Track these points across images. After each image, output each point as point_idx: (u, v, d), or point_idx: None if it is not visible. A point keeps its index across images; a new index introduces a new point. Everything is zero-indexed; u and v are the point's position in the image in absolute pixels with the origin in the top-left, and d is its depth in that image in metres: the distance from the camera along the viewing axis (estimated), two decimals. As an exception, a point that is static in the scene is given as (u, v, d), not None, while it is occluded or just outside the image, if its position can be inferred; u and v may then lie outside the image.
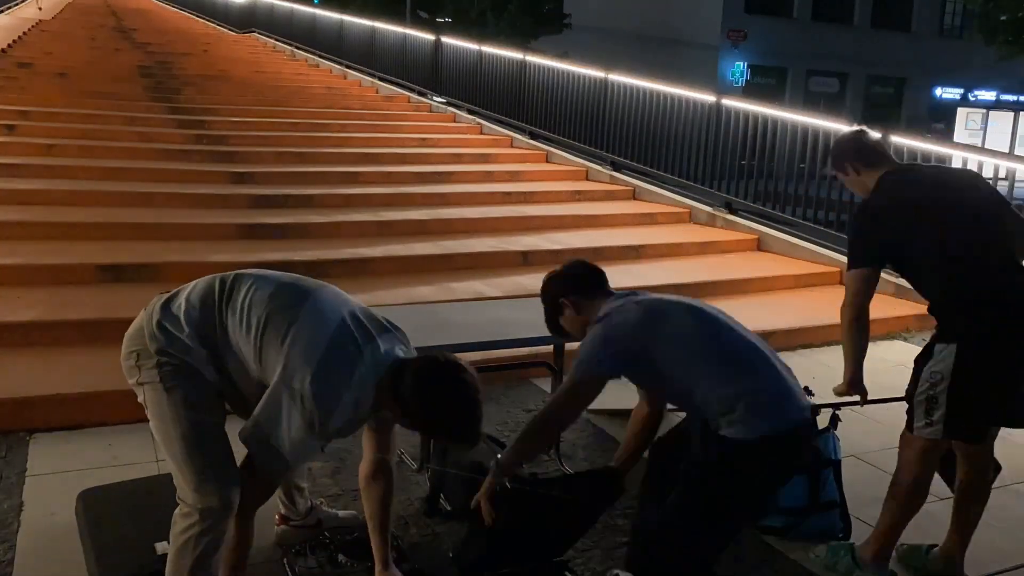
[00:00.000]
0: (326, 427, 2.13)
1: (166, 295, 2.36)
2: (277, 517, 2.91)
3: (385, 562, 2.49)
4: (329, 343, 2.14)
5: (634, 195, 8.75)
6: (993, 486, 3.44)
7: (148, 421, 3.82)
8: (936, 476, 3.70)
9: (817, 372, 4.90)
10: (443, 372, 2.17)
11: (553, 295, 2.71)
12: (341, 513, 3.04)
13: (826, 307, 6.13)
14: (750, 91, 24.73)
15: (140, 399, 2.33)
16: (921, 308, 5.97)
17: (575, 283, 2.69)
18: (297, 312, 2.20)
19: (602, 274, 2.73)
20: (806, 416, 2.46)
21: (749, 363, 2.43)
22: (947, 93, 30.78)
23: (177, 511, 2.27)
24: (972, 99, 31.09)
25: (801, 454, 2.55)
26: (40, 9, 18.31)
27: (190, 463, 2.23)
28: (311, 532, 2.86)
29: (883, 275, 7.09)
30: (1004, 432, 4.09)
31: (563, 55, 13.83)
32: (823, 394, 2.99)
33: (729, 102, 8.06)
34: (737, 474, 2.36)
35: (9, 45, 12.99)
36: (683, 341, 2.43)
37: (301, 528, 2.87)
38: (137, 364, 2.29)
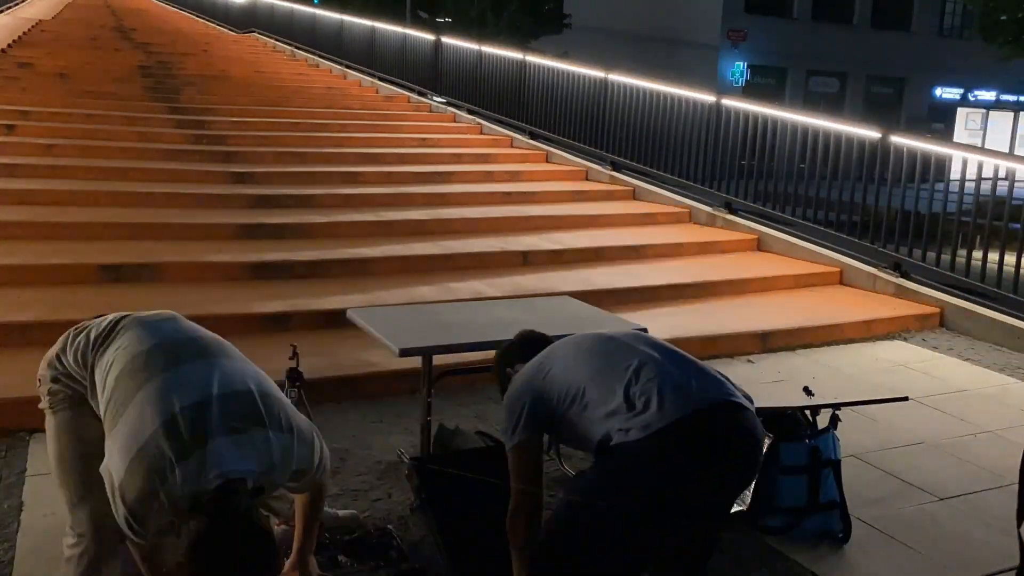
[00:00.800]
0: (144, 529, 1.86)
1: (83, 325, 2.28)
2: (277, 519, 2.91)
3: (301, 553, 2.37)
4: (140, 449, 1.84)
5: (634, 195, 8.75)
6: (993, 486, 3.44)
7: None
8: (934, 473, 3.70)
9: (817, 372, 4.93)
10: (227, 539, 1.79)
11: (501, 366, 2.58)
12: (341, 512, 3.04)
13: (826, 307, 6.15)
14: (750, 91, 24.71)
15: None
16: (921, 308, 6.01)
17: (518, 349, 2.53)
18: (133, 397, 1.92)
19: (543, 339, 2.53)
20: (712, 398, 2.13)
21: (630, 356, 2.21)
22: (947, 93, 30.77)
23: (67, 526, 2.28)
24: (972, 99, 31.09)
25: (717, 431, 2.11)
26: None
27: (66, 486, 2.23)
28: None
29: (883, 275, 7.06)
30: (1004, 431, 4.10)
31: (563, 55, 13.83)
32: (823, 394, 3.00)
33: (729, 102, 8.06)
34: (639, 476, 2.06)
35: (9, 45, 12.99)
36: (567, 362, 2.27)
37: None
38: (39, 389, 2.29)
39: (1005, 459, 3.13)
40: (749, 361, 5.13)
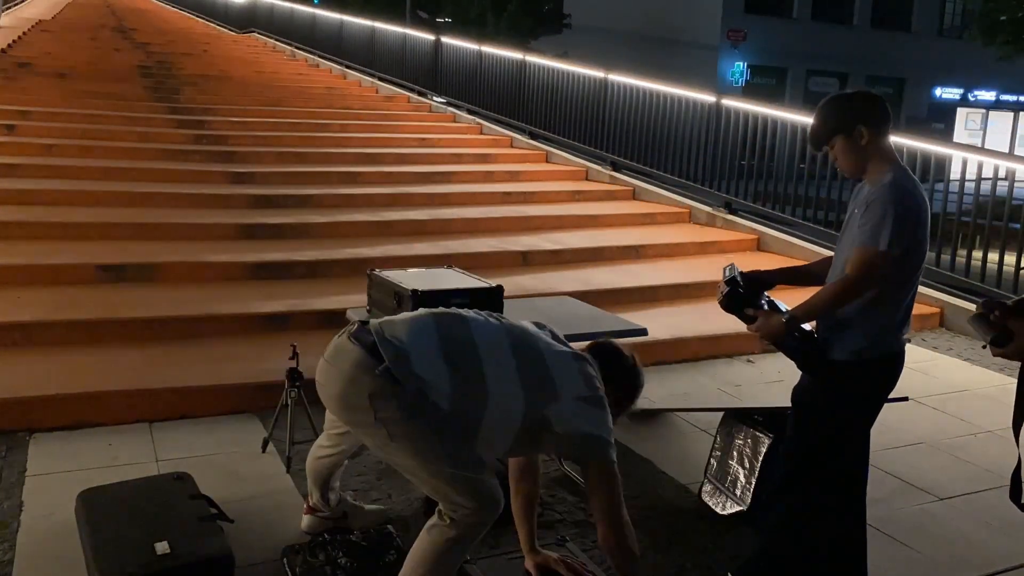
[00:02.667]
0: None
1: (364, 327, 2.36)
2: (305, 507, 2.95)
3: (531, 545, 2.65)
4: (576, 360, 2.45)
5: (634, 195, 8.75)
6: (992, 486, 3.44)
7: (150, 421, 3.84)
8: (934, 473, 3.71)
9: (817, 372, 4.93)
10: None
11: (852, 117, 2.44)
12: (368, 507, 3.06)
13: (826, 307, 6.14)
14: (750, 91, 24.70)
15: (377, 433, 2.30)
16: (921, 308, 6.00)
17: (880, 113, 2.47)
18: (540, 349, 2.42)
19: None
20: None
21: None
22: (947, 93, 30.77)
23: (443, 523, 2.28)
24: (972, 99, 31.09)
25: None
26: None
27: (464, 482, 2.26)
28: (338, 524, 2.90)
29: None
30: (1004, 431, 4.09)
31: (563, 55, 13.85)
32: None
33: (729, 102, 8.06)
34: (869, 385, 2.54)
35: (9, 45, 12.99)
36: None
37: (328, 519, 2.91)
38: (372, 405, 2.26)
39: (1005, 459, 3.13)
40: (749, 361, 5.14)
